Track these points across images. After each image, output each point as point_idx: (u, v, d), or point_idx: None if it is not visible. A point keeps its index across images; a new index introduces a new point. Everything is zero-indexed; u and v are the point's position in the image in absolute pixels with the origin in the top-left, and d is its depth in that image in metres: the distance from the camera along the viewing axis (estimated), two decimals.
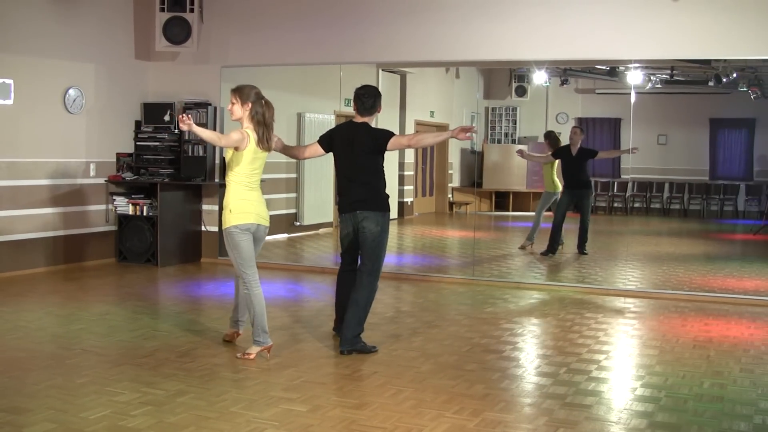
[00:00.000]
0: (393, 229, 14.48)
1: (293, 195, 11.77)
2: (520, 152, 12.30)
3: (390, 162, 14.70)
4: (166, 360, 5.73)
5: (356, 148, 6.15)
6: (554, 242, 11.13)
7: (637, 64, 9.74)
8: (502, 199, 14.80)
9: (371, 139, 6.15)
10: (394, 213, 14.80)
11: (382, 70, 13.93)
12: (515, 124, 15.32)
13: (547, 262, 11.15)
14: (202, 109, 10.35)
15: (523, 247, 11.72)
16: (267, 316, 5.88)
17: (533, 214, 11.70)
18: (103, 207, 10.24)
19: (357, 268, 6.24)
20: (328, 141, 6.33)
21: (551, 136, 11.73)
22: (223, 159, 10.00)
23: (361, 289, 6.11)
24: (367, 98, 6.21)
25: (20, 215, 9.23)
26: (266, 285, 8.87)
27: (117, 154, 10.45)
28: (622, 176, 15.15)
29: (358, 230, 6.14)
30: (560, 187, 11.38)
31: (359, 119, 6.23)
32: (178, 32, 9.99)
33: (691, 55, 8.93)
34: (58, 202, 9.68)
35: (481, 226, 14.14)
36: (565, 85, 14.28)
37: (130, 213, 10.18)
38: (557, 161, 11.32)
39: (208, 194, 10.56)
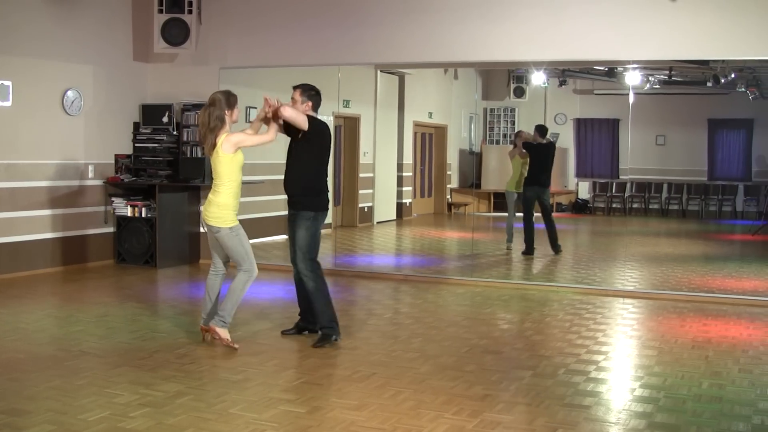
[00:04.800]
0: (392, 230, 14.53)
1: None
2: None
3: (389, 163, 14.78)
4: (165, 361, 5.73)
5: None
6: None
7: (635, 65, 9.74)
8: (500, 200, 14.73)
9: None
10: (392, 214, 14.85)
11: (381, 71, 13.97)
12: (514, 125, 15.31)
13: (547, 263, 11.15)
14: (200, 110, 10.31)
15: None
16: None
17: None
18: (101, 208, 10.22)
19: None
20: None
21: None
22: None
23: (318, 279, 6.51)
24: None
25: (19, 217, 9.21)
26: (266, 286, 8.90)
27: (115, 155, 10.43)
28: (621, 177, 15.16)
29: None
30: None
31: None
32: (176, 34, 9.97)
33: (689, 55, 8.93)
34: (57, 203, 9.66)
35: (479, 227, 14.12)
36: (563, 86, 14.28)
37: (129, 214, 10.17)
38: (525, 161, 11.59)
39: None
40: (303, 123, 6.20)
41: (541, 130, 11.73)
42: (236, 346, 6.11)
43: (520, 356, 6.17)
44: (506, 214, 11.93)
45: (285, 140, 6.71)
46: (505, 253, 11.64)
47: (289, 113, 6.15)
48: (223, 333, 6.13)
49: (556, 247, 11.36)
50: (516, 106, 15.22)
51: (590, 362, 5.93)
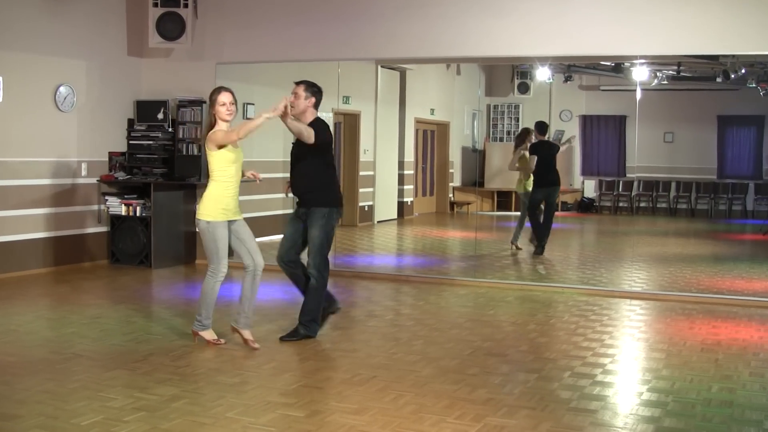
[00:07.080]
0: (393, 229, 14.47)
1: (291, 195, 11.61)
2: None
3: (390, 161, 14.70)
4: (160, 364, 5.68)
5: None
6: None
7: (642, 60, 9.68)
8: (504, 199, 14.72)
9: None
10: (393, 213, 14.78)
11: (381, 66, 13.91)
12: (518, 122, 15.26)
13: (552, 264, 11.10)
14: (196, 107, 10.27)
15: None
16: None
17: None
18: (95, 207, 10.14)
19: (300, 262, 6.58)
20: None
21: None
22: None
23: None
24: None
25: (10, 216, 9.13)
26: (264, 287, 8.74)
27: (109, 153, 10.35)
28: (628, 175, 15.09)
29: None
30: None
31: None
32: (171, 28, 9.92)
33: (698, 50, 8.83)
34: (49, 202, 9.58)
35: (482, 226, 14.14)
36: (568, 82, 14.21)
37: (123, 213, 10.08)
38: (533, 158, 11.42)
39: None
40: (309, 137, 6.17)
41: (541, 127, 11.55)
42: (222, 341, 6.24)
43: (524, 359, 6.12)
44: (517, 213, 11.91)
45: (284, 138, 6.64)
46: (509, 251, 11.53)
47: (295, 127, 6.10)
48: (207, 335, 6.21)
49: (540, 247, 11.21)
50: (520, 102, 15.18)
51: (596, 365, 5.88)
